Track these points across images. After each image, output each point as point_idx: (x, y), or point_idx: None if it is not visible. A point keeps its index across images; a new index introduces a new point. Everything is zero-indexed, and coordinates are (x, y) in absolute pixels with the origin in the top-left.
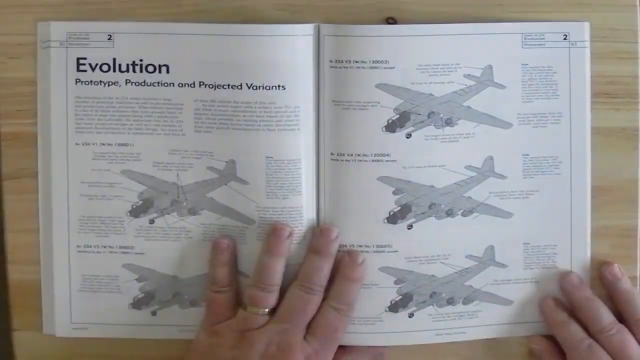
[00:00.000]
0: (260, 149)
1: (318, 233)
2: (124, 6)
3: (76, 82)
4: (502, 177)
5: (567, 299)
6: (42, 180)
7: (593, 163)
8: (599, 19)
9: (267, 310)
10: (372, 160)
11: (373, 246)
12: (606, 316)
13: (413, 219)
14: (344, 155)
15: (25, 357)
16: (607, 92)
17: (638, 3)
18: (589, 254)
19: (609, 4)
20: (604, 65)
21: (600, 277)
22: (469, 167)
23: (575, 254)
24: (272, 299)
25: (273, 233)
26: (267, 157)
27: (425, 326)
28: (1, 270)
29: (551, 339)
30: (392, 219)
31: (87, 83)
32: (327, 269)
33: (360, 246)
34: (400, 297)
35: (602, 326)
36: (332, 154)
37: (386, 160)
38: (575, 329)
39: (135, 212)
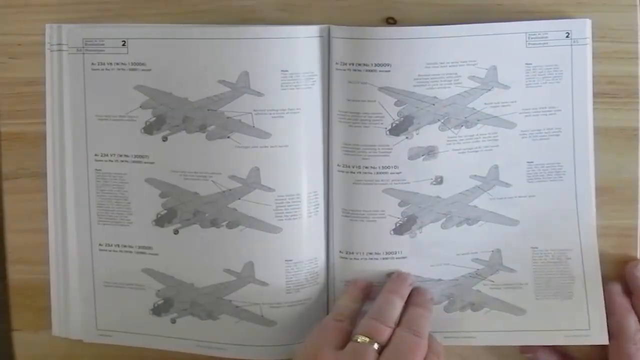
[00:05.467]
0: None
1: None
2: (122, 6)
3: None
4: (507, 185)
5: (631, 286)
6: (55, 182)
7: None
8: (598, 18)
9: (377, 346)
10: (377, 173)
11: (383, 253)
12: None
13: (418, 231)
14: (349, 167)
15: (25, 357)
16: (607, 92)
17: (638, 3)
18: (597, 257)
19: (609, 3)
20: (603, 65)
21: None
22: (474, 177)
23: (586, 260)
24: (387, 334)
25: (398, 277)
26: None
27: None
28: (1, 270)
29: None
30: (399, 230)
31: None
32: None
33: (370, 253)
34: None
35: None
36: (338, 165)
37: (391, 173)
38: (636, 320)
39: (160, 222)
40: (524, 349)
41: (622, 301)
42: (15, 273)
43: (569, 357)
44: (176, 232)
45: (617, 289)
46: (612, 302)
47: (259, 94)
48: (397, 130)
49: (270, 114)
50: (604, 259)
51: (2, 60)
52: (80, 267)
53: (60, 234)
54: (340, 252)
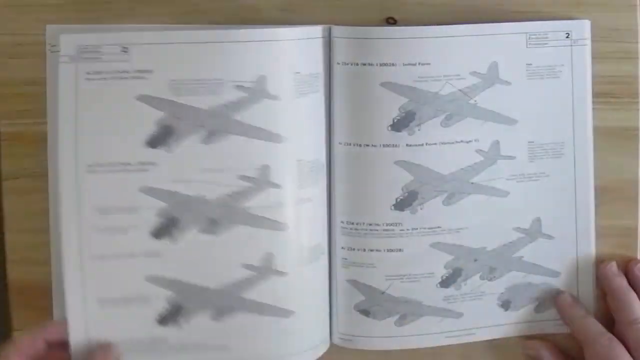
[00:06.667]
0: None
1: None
2: (122, 6)
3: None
4: (510, 157)
5: (604, 286)
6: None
7: (593, 163)
8: (598, 18)
9: None
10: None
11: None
12: (638, 308)
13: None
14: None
15: None
16: (607, 92)
17: (638, 3)
18: (593, 250)
19: (609, 3)
20: (604, 65)
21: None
22: (479, 151)
23: (580, 250)
24: None
25: None
26: (298, 160)
27: (433, 329)
28: (1, 270)
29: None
30: (399, 205)
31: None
32: None
33: (370, 224)
34: None
35: (634, 317)
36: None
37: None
38: (595, 323)
39: (167, 229)
40: (528, 345)
41: (575, 310)
42: (15, 273)
43: (570, 357)
44: (183, 238)
45: (566, 299)
46: (566, 313)
47: (275, 97)
48: (398, 126)
49: (281, 114)
50: (604, 259)
51: (2, 60)
52: (77, 275)
53: (64, 238)
54: (342, 247)
